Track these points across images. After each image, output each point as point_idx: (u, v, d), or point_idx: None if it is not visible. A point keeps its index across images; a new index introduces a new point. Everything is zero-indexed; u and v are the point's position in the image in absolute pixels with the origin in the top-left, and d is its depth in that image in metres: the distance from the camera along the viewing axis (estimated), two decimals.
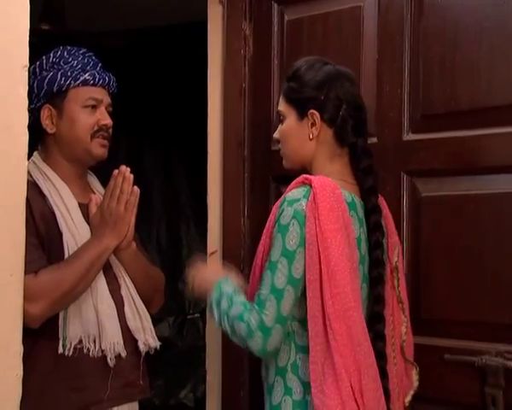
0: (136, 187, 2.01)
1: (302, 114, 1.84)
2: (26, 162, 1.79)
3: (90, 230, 1.99)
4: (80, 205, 2.01)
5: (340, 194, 1.77)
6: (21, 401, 1.75)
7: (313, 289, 1.70)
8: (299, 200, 1.74)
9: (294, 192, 1.77)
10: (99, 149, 2.04)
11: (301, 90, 1.85)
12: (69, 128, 2.01)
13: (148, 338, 2.03)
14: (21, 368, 1.74)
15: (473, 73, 2.05)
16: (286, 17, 2.42)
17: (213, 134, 2.56)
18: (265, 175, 2.42)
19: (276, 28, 2.43)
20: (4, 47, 1.72)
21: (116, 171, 1.98)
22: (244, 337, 1.72)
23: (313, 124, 1.84)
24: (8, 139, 1.73)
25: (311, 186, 1.75)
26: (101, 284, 1.96)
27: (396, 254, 1.94)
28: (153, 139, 4.89)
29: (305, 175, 1.80)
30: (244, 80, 2.46)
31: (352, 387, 1.67)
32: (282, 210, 1.76)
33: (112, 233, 1.96)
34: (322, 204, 1.72)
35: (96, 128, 2.02)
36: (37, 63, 2.03)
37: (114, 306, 1.97)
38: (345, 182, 1.84)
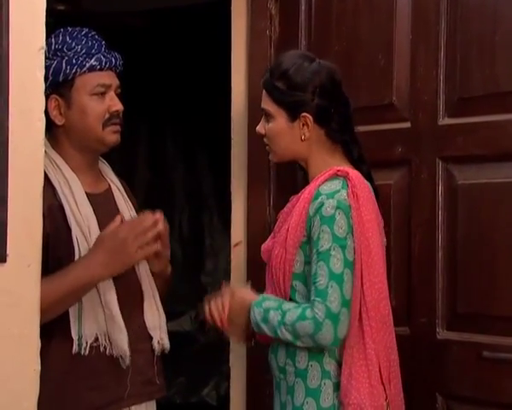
0: (162, 245, 1.96)
1: (294, 116, 1.93)
2: (43, 148, 1.81)
3: (98, 223, 1.97)
4: (91, 195, 2.01)
5: (368, 185, 1.89)
6: (41, 404, 1.77)
7: (356, 277, 1.82)
8: (339, 191, 1.85)
9: (330, 185, 1.86)
10: (112, 136, 2.02)
11: (292, 93, 1.92)
12: (80, 119, 1.99)
13: (163, 337, 2.04)
14: (39, 363, 1.76)
15: None
16: None
17: (238, 120, 2.56)
18: (292, 163, 2.40)
19: (303, 7, 2.41)
20: (20, 28, 1.73)
21: (151, 215, 1.94)
22: (312, 334, 1.80)
23: (304, 125, 1.92)
24: (25, 124, 1.75)
25: (345, 178, 1.86)
26: (108, 284, 1.95)
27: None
28: (175, 126, 4.90)
29: (337, 167, 1.89)
30: (270, 62, 2.44)
31: (380, 373, 1.81)
32: (322, 204, 1.84)
33: (107, 265, 1.89)
34: (361, 195, 1.84)
35: (107, 116, 2.00)
36: None
37: (117, 304, 1.95)
38: None
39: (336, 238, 1.81)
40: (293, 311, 1.83)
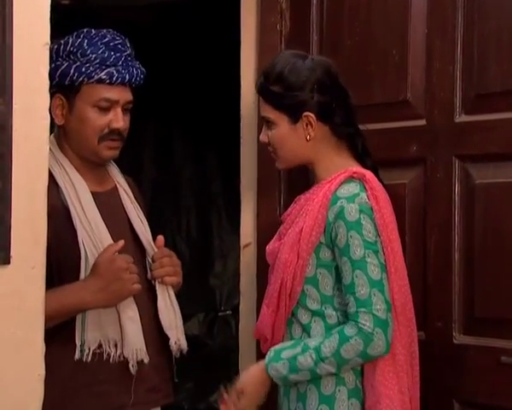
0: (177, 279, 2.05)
1: (295, 117, 1.92)
2: (48, 147, 1.81)
3: (105, 223, 1.98)
4: (95, 194, 2.02)
5: (381, 185, 1.91)
6: None
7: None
8: (358, 194, 1.85)
9: (347, 188, 1.86)
10: (107, 151, 2.01)
11: (290, 95, 1.91)
12: (77, 126, 2.00)
13: (180, 337, 2.03)
14: (43, 368, 1.77)
15: None
16: None
17: (247, 118, 2.56)
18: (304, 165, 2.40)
19: (315, 1, 2.41)
20: (24, 24, 1.73)
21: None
22: (362, 350, 1.79)
23: (308, 125, 1.91)
24: (29, 123, 1.75)
25: (361, 180, 1.87)
26: None
27: None
28: (182, 124, 4.90)
29: (351, 169, 1.89)
30: None
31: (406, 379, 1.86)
32: (342, 208, 1.84)
33: (102, 292, 1.90)
34: (380, 197, 1.85)
35: (105, 131, 1.99)
36: (55, 47, 1.98)
37: (137, 308, 1.97)
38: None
39: (368, 244, 1.82)
40: (328, 341, 1.81)
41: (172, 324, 2.02)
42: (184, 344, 2.04)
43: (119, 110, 2.00)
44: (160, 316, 2.00)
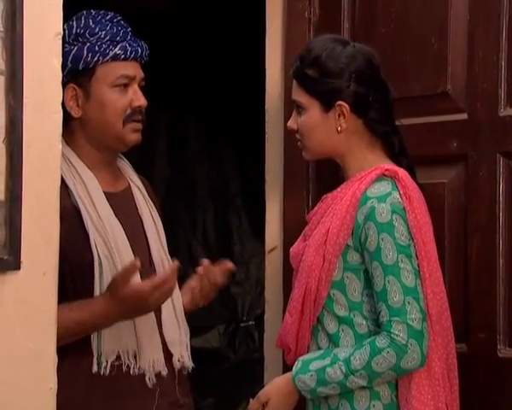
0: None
1: (328, 105, 1.93)
2: (60, 144, 1.83)
3: (121, 223, 1.99)
4: (109, 194, 2.03)
5: (416, 185, 1.91)
6: None
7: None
8: (390, 194, 1.85)
9: (378, 187, 1.87)
10: (132, 134, 2.03)
11: (325, 81, 1.92)
12: (98, 112, 2.01)
13: (183, 354, 2.03)
14: (55, 380, 1.78)
15: None
16: None
17: (272, 112, 2.56)
18: (333, 159, 2.40)
19: None
20: (35, 12, 1.74)
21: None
22: (396, 363, 1.80)
23: (340, 115, 1.92)
24: (40, 117, 1.76)
25: (393, 178, 1.87)
26: None
27: None
28: (198, 117, 4.91)
29: (382, 166, 1.89)
30: None
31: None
32: (373, 208, 1.84)
33: (125, 316, 1.92)
34: (413, 196, 1.86)
35: (128, 111, 2.01)
36: None
37: (154, 317, 1.98)
38: None
39: (401, 247, 1.82)
40: (359, 353, 1.82)
41: (176, 339, 2.02)
42: (188, 362, 2.04)
43: (136, 88, 2.04)
44: (164, 330, 2.01)
